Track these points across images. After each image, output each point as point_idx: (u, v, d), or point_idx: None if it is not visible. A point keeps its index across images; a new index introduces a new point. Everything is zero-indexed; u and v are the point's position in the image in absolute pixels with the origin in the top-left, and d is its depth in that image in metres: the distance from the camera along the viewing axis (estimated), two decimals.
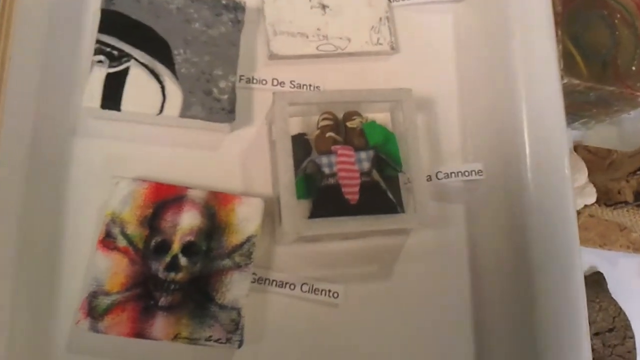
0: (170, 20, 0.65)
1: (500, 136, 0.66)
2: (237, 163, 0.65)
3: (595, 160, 0.87)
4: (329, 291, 0.62)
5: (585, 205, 0.81)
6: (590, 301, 0.78)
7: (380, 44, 0.70)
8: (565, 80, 0.72)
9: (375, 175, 0.63)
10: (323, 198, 0.60)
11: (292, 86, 0.67)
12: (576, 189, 0.74)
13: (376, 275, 0.65)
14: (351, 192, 0.61)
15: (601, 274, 0.82)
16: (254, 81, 0.67)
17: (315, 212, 0.60)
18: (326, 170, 0.61)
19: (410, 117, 0.63)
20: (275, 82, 0.67)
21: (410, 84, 0.68)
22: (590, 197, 0.74)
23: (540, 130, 0.64)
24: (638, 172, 0.81)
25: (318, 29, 0.69)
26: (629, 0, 0.78)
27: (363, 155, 0.62)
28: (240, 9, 0.66)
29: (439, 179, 0.66)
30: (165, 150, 0.63)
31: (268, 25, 0.68)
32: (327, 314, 0.62)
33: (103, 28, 0.63)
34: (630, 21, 0.78)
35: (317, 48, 0.68)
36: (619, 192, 0.83)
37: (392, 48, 0.70)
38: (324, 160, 0.61)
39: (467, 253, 0.67)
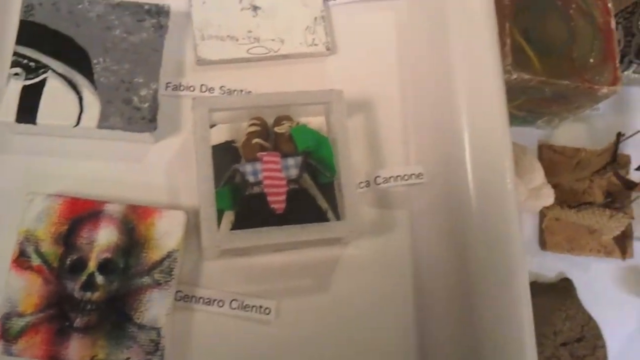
0: (91, 28, 0.62)
1: (441, 137, 0.62)
2: (163, 174, 0.62)
3: (562, 160, 0.82)
4: (260, 307, 0.59)
5: (548, 208, 0.77)
6: (556, 310, 0.74)
7: (316, 44, 0.66)
8: (514, 76, 0.68)
9: (305, 181, 0.59)
10: (247, 208, 0.57)
11: (222, 92, 0.64)
12: (532, 191, 0.70)
13: (312, 288, 0.61)
14: (277, 201, 0.57)
15: (570, 280, 0.78)
16: (181, 88, 0.64)
17: (238, 224, 0.57)
18: (251, 179, 0.58)
19: (340, 119, 0.59)
20: (204, 89, 0.64)
21: (349, 85, 0.65)
22: (547, 198, 0.69)
23: (481, 131, 0.60)
24: (602, 171, 0.77)
25: (249, 32, 0.66)
26: None
27: (291, 161, 0.58)
28: (163, 13, 0.63)
29: (377, 183, 0.63)
30: (86, 164, 0.61)
31: (195, 30, 0.65)
32: (258, 332, 0.58)
33: (21, 40, 0.61)
34: (587, 11, 0.74)
35: (247, 51, 0.65)
36: (584, 193, 0.79)
37: (328, 49, 0.66)
38: (248, 168, 0.58)
39: (410, 260, 0.63)
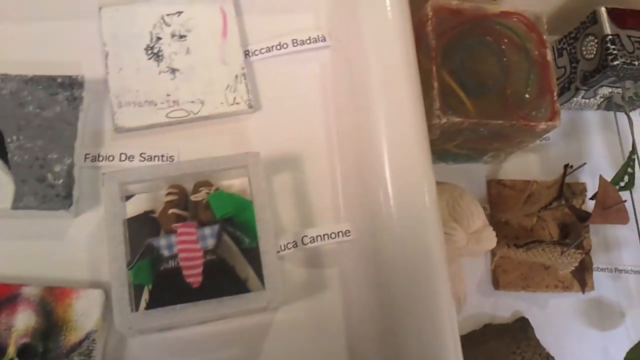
0: (4, 106, 0.61)
1: (365, 192, 0.60)
2: (84, 249, 0.60)
3: (512, 195, 0.80)
4: None
5: (496, 247, 0.75)
6: (511, 353, 0.71)
7: (238, 103, 0.65)
8: (444, 120, 0.66)
9: (224, 250, 0.58)
10: (161, 284, 0.56)
11: (143, 159, 0.63)
12: (472, 235, 0.68)
13: (243, 357, 0.59)
14: (193, 275, 0.56)
15: (526, 319, 0.75)
16: (100, 158, 0.63)
17: (153, 302, 0.55)
18: (166, 253, 0.56)
19: (257, 183, 0.58)
20: (123, 157, 0.63)
21: (275, 141, 0.64)
22: (489, 241, 0.67)
23: (404, 184, 0.58)
24: (549, 207, 0.74)
25: (168, 95, 0.65)
26: (517, 22, 0.72)
27: (207, 231, 0.57)
28: (77, 85, 0.62)
29: (305, 243, 0.61)
30: (3, 244, 0.60)
31: (112, 97, 0.64)
32: None
33: None
34: (521, 45, 0.72)
35: (167, 115, 0.64)
36: (532, 229, 0.76)
37: (251, 106, 0.65)
38: (162, 242, 0.56)
39: (342, 318, 0.61)
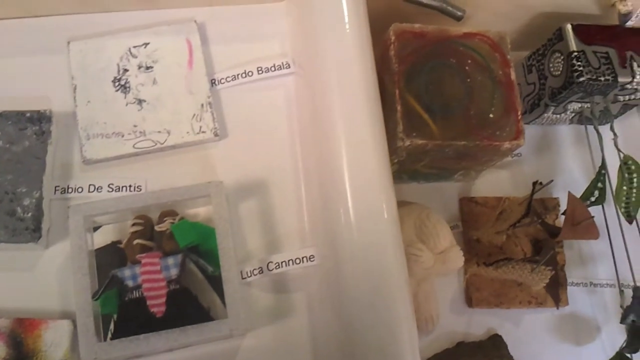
0: None
1: (328, 216, 0.61)
2: (55, 280, 0.62)
3: (484, 212, 0.81)
4: None
5: (467, 266, 0.75)
6: None
7: (204, 132, 0.66)
8: (407, 143, 0.67)
9: (188, 279, 0.59)
10: (126, 314, 0.57)
11: (111, 189, 0.64)
12: (439, 255, 0.68)
13: None
14: (156, 305, 0.57)
15: (499, 336, 0.76)
16: (70, 190, 0.64)
17: (118, 332, 0.56)
18: (130, 283, 0.58)
19: (220, 212, 0.59)
20: (92, 189, 0.64)
21: (241, 168, 0.65)
22: (455, 261, 0.68)
23: (364, 204, 0.59)
24: (518, 225, 0.75)
25: (135, 126, 0.66)
26: (480, 43, 0.73)
27: (171, 260, 0.58)
28: (45, 119, 0.64)
29: (270, 269, 0.62)
30: None
31: (81, 130, 0.65)
32: None
33: None
34: (485, 65, 0.72)
35: (134, 146, 0.65)
36: (501, 247, 0.77)
37: (216, 135, 0.66)
38: (127, 272, 0.58)
39: (309, 343, 0.62)
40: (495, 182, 0.83)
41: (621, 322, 0.71)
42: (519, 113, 0.71)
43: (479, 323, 0.77)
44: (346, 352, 0.58)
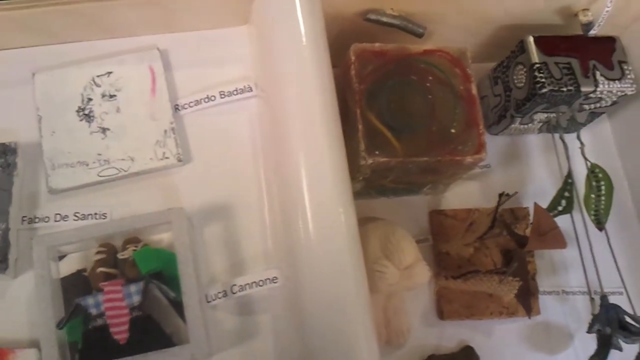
0: None
1: (290, 237, 0.62)
2: (23, 309, 0.63)
3: (454, 224, 0.82)
4: None
5: (437, 279, 0.76)
6: None
7: (167, 157, 0.67)
8: (370, 161, 0.68)
9: (152, 305, 0.60)
10: (90, 342, 0.58)
11: (77, 218, 0.65)
12: (405, 271, 0.69)
13: None
14: (119, 332, 0.58)
15: (471, 348, 0.76)
16: (37, 220, 0.65)
17: (83, 359, 0.57)
18: (94, 311, 0.59)
19: (181, 238, 0.60)
20: (58, 218, 0.65)
21: (205, 193, 0.67)
22: (421, 276, 0.69)
23: (323, 223, 0.60)
24: (485, 236, 0.76)
25: (99, 154, 0.67)
26: (441, 59, 0.74)
27: (133, 288, 0.59)
28: (10, 151, 0.65)
29: (234, 292, 0.63)
30: None
31: (46, 160, 0.67)
32: None
33: None
34: (446, 80, 0.73)
35: (98, 174, 0.66)
36: (469, 259, 0.78)
37: (180, 160, 0.67)
38: (90, 301, 0.59)
39: None
40: (465, 194, 0.84)
41: (588, 332, 0.71)
42: (481, 127, 0.72)
43: (451, 335, 0.78)
44: None
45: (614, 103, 0.81)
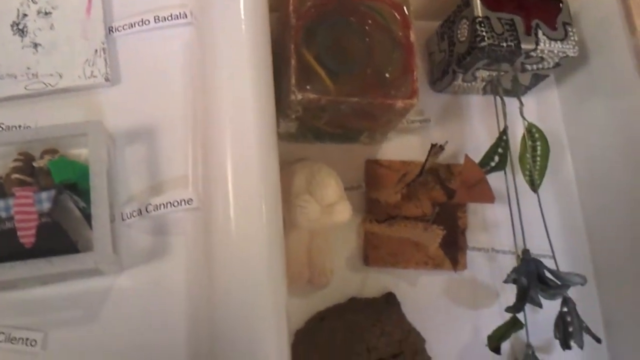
0: None
1: (209, 162, 0.63)
2: None
3: (388, 174, 0.82)
4: (27, 339, 0.60)
5: (365, 223, 0.77)
6: (371, 326, 0.73)
7: (95, 76, 0.67)
8: (299, 97, 0.68)
9: (63, 215, 0.60)
10: None
11: (1, 129, 0.65)
12: (326, 208, 0.69)
13: (82, 320, 0.62)
14: (26, 235, 0.58)
15: (392, 294, 0.77)
16: None
17: None
18: (3, 214, 0.59)
19: (96, 150, 0.60)
20: None
21: (131, 115, 0.67)
22: (342, 214, 0.69)
23: (242, 156, 0.61)
24: (412, 183, 0.76)
25: (28, 68, 0.67)
26: (382, 4, 0.74)
27: (44, 195, 0.59)
28: None
29: (148, 212, 0.63)
30: None
31: None
32: None
33: None
34: (385, 26, 0.74)
35: (25, 87, 0.66)
36: (395, 206, 0.78)
37: (107, 80, 0.67)
38: (0, 204, 0.59)
39: (184, 286, 0.63)
40: (403, 147, 0.85)
41: (504, 281, 0.72)
42: (415, 74, 0.72)
43: (375, 282, 0.79)
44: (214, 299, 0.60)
45: (556, 65, 0.82)
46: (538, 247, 0.75)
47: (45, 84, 0.67)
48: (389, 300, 0.77)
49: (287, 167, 0.74)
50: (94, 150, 0.60)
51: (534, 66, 0.82)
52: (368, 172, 0.82)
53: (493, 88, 0.85)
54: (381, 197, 0.79)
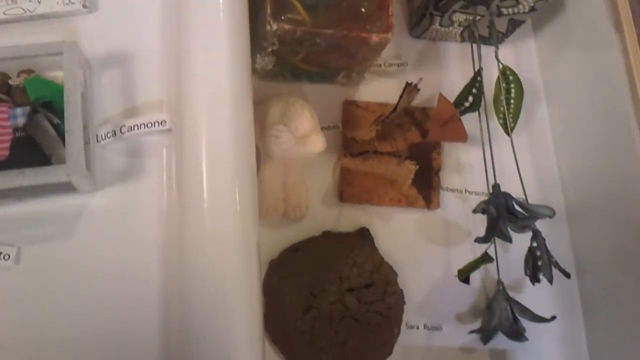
0: None
1: (183, 89, 0.64)
2: None
3: (365, 115, 0.83)
4: (0, 253, 0.61)
5: (340, 159, 0.78)
6: (343, 256, 0.74)
7: (73, 3, 0.68)
8: (274, 27, 0.69)
9: (35, 130, 0.61)
10: None
11: None
12: (300, 139, 0.71)
13: (56, 237, 0.63)
14: (1, 149, 0.59)
15: (366, 229, 0.78)
16: None
17: None
18: None
19: (71, 70, 0.61)
20: None
21: (108, 41, 0.68)
22: (315, 144, 0.70)
23: (213, 87, 0.62)
24: (386, 118, 0.77)
25: None
26: None
27: (19, 111, 0.61)
28: None
29: (122, 132, 0.64)
30: None
31: None
32: None
33: None
34: None
35: (4, 13, 0.67)
36: (369, 142, 0.79)
37: (85, 6, 0.68)
38: None
39: (157, 207, 0.64)
40: (380, 90, 0.86)
41: (473, 211, 0.73)
42: (391, 9, 0.73)
43: (349, 217, 0.80)
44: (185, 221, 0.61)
45: (532, 9, 0.83)
46: (511, 190, 0.76)
47: (23, 9, 0.67)
48: (363, 235, 0.78)
49: (263, 102, 0.76)
50: (69, 68, 0.61)
51: (510, 9, 0.83)
52: (345, 112, 0.83)
53: (470, 34, 0.86)
54: (357, 135, 0.80)
